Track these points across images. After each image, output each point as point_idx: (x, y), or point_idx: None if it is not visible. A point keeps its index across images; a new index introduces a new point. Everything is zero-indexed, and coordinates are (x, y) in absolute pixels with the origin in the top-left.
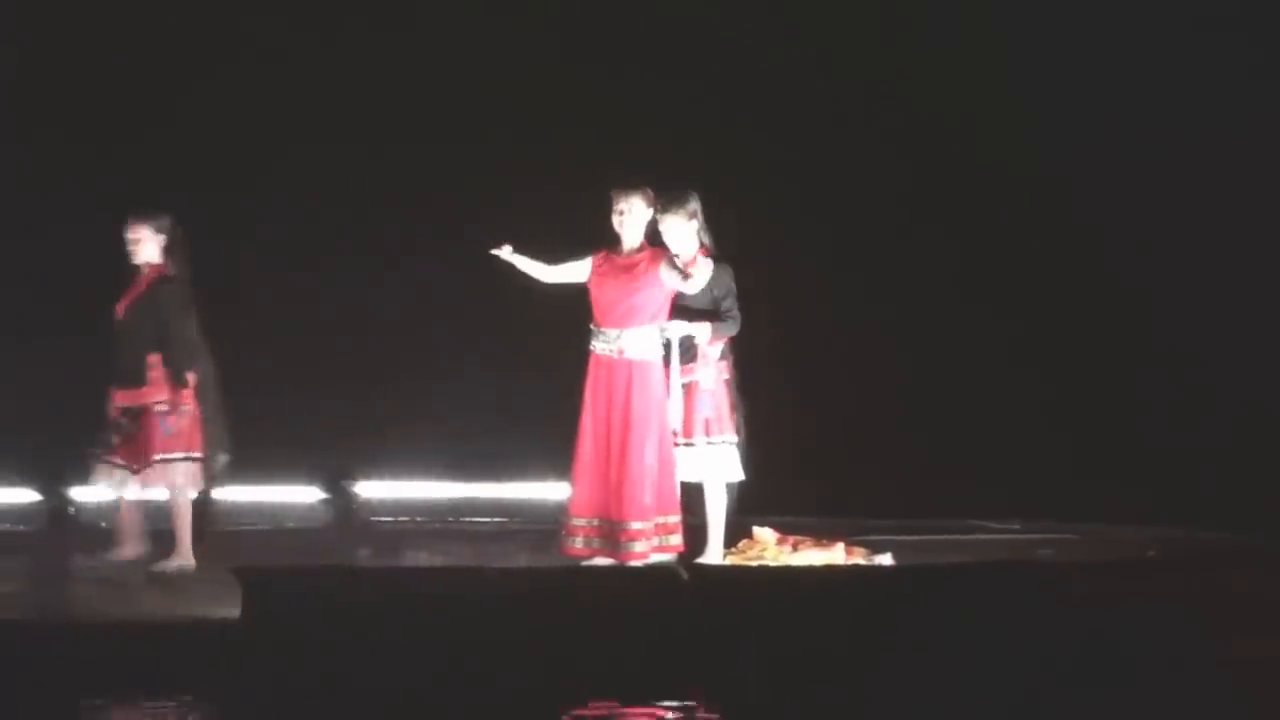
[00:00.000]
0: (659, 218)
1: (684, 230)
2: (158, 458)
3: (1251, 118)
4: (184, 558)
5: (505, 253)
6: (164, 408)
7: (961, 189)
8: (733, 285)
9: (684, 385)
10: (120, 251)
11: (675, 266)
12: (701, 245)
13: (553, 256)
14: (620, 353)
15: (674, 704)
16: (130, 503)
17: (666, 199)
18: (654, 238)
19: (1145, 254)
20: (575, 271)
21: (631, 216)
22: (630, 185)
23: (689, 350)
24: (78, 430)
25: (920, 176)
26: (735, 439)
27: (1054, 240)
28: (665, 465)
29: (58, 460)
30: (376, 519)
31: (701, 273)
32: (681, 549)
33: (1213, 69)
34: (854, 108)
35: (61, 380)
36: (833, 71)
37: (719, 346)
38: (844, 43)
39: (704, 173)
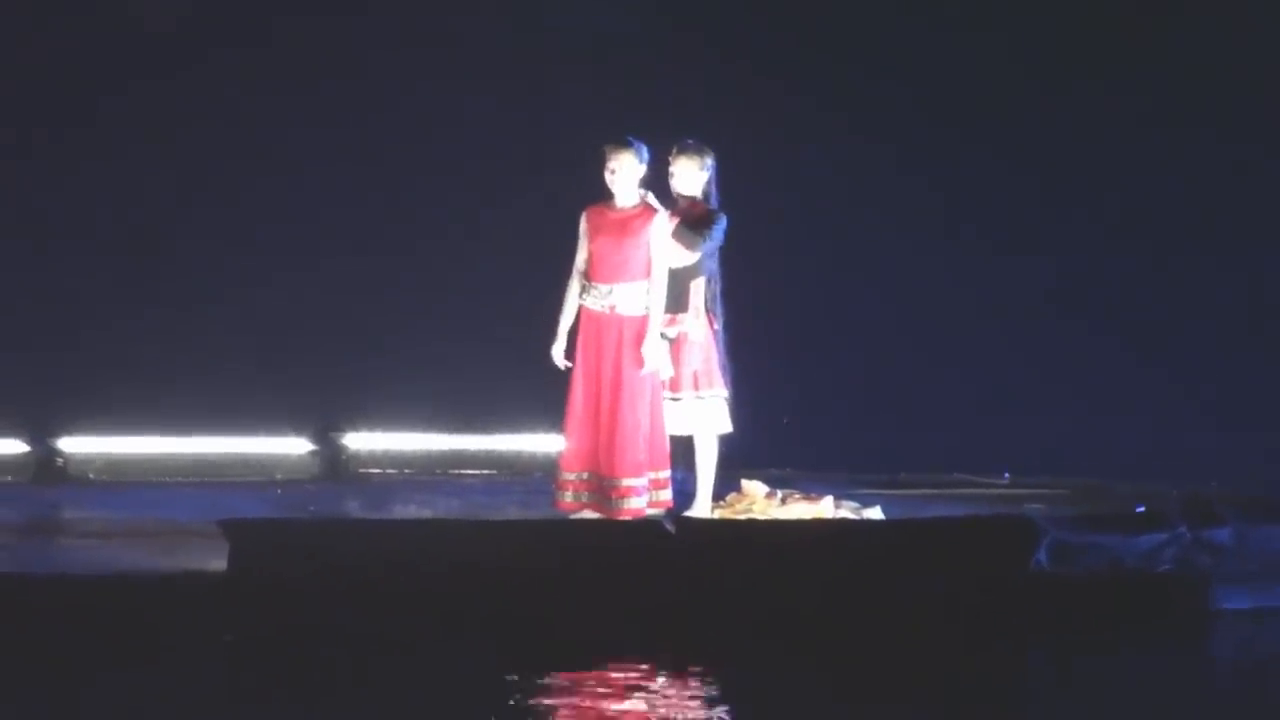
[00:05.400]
0: (671, 159)
1: (693, 177)
2: None
3: None
4: None
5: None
6: None
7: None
8: (722, 239)
9: (672, 338)
10: None
11: (685, 231)
12: (705, 198)
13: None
14: (612, 308)
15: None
16: None
17: (684, 143)
18: (646, 183)
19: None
20: (584, 247)
21: (623, 173)
22: (620, 142)
23: (677, 300)
24: (65, 381)
25: (914, 130)
26: (724, 392)
27: (1037, 191)
28: (656, 420)
29: (45, 411)
30: (365, 471)
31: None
32: (670, 504)
33: None
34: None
35: (49, 332)
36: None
37: (702, 296)
38: None
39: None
